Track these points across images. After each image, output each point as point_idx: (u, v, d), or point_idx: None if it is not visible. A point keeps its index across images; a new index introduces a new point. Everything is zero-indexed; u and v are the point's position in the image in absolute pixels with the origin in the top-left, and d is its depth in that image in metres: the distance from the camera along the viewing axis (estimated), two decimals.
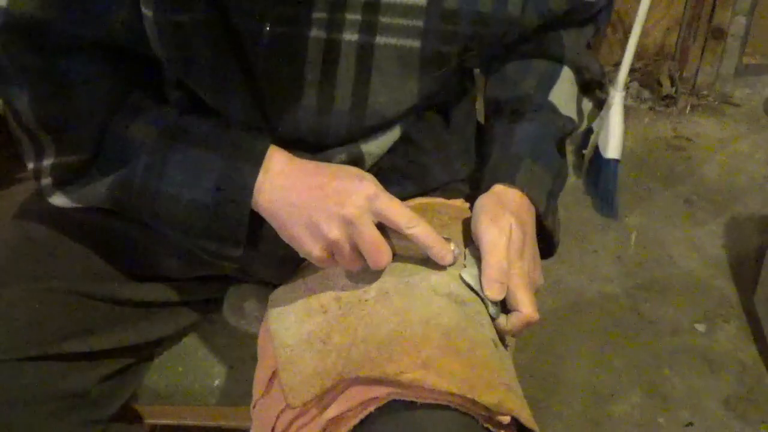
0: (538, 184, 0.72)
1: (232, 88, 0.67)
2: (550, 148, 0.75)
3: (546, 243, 0.75)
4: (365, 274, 0.67)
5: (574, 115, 0.78)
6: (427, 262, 0.67)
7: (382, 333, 0.62)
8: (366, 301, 0.66)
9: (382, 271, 0.67)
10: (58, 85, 0.64)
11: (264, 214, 0.66)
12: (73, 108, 0.65)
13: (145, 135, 0.66)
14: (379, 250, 0.63)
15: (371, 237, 0.63)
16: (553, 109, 0.76)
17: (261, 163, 0.64)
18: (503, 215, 0.67)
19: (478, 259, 0.69)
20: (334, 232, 0.62)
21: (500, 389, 0.61)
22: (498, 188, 0.71)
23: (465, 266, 0.68)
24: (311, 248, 0.64)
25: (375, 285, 0.67)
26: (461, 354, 0.61)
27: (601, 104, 0.84)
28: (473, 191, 0.76)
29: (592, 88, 0.81)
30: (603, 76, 0.82)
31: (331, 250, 0.64)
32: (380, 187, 0.64)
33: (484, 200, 0.70)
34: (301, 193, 0.64)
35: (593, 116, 0.83)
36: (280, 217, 0.64)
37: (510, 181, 0.71)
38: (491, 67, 0.81)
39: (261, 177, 0.64)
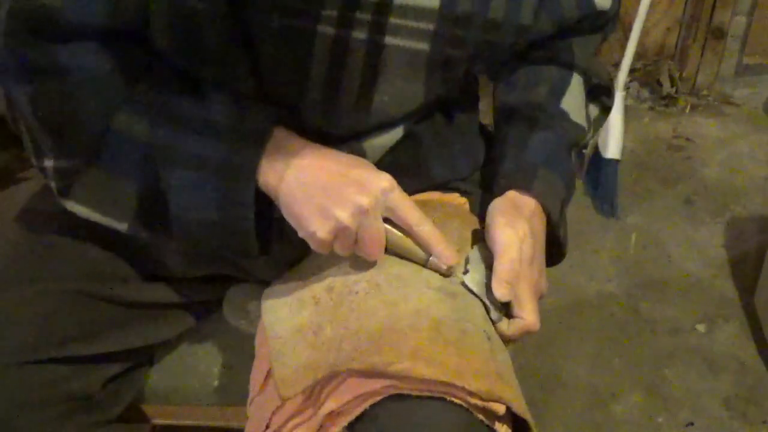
0: (553, 193, 0.73)
1: (237, 80, 0.66)
2: (563, 157, 0.75)
3: (555, 251, 0.76)
4: (358, 265, 0.68)
5: (584, 123, 0.78)
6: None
7: (372, 325, 0.62)
8: (357, 292, 0.66)
9: (374, 263, 0.68)
10: (60, 83, 0.63)
11: (273, 192, 0.65)
12: (73, 108, 0.64)
13: (143, 139, 0.65)
14: (379, 244, 0.64)
15: (377, 230, 0.64)
16: (566, 117, 0.76)
17: (254, 177, 0.63)
18: (518, 220, 0.68)
19: (482, 262, 0.69)
20: (347, 218, 0.62)
21: (490, 377, 0.61)
22: (513, 194, 0.72)
23: (467, 271, 0.68)
24: (318, 229, 0.63)
25: (366, 276, 0.67)
26: (450, 343, 0.61)
27: (607, 110, 0.84)
28: (485, 194, 0.76)
29: (599, 93, 0.82)
30: (610, 82, 0.82)
31: (336, 234, 0.64)
32: (395, 182, 0.64)
33: (499, 203, 0.71)
34: (320, 175, 0.63)
35: (599, 123, 0.83)
36: (291, 194, 0.64)
37: (526, 188, 0.71)
38: (500, 73, 0.82)
39: (273, 157, 0.64)
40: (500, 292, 0.65)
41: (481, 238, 0.73)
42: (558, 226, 0.74)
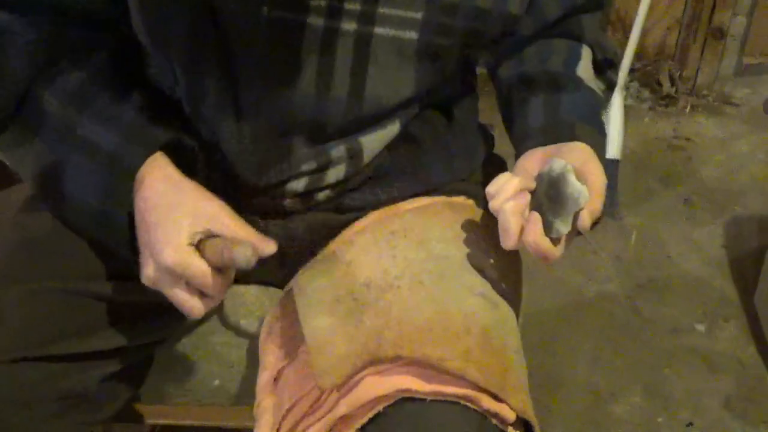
0: (596, 146, 0.71)
1: (206, 71, 0.67)
2: (596, 117, 0.74)
3: None
4: (395, 261, 0.69)
5: (599, 92, 0.79)
6: (461, 261, 0.69)
7: (420, 317, 0.63)
8: (399, 287, 0.67)
9: (411, 261, 0.69)
10: None
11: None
12: (1, 64, 0.67)
13: (55, 113, 0.67)
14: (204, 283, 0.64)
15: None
16: (585, 84, 0.76)
17: (134, 178, 0.65)
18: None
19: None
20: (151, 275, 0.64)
21: (524, 394, 0.63)
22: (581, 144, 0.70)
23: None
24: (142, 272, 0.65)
25: (408, 272, 0.68)
26: (497, 353, 0.63)
27: (612, 86, 0.84)
28: (518, 149, 0.74)
29: (605, 68, 0.82)
30: (616, 55, 0.82)
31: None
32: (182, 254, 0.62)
33: (582, 148, 0.69)
34: (145, 215, 0.65)
35: (606, 100, 0.83)
36: (139, 215, 0.65)
37: (582, 141, 0.70)
38: (506, 53, 0.81)
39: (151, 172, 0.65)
40: (586, 224, 0.64)
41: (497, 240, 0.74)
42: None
